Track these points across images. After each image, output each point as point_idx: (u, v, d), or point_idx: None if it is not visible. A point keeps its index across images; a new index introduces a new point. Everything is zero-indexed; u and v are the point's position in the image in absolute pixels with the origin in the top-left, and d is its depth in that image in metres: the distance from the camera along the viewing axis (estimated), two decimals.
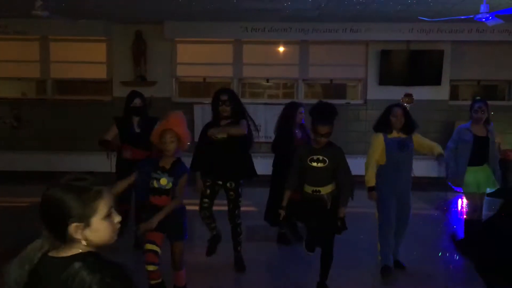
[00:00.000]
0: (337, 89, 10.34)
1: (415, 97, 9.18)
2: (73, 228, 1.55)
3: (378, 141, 4.62)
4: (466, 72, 9.52)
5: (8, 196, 7.97)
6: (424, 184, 6.79)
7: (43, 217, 1.59)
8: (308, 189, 4.03)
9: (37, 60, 9.67)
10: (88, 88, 10.05)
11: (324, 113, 3.94)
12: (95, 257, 1.56)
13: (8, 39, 9.41)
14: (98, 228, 1.58)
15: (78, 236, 1.55)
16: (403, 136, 4.64)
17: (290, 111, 5.59)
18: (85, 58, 9.61)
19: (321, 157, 3.94)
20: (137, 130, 5.24)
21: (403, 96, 9.16)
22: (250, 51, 9.62)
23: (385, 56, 9.27)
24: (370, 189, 4.60)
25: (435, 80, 9.27)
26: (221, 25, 8.97)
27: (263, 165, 8.66)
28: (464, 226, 5.24)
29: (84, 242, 1.56)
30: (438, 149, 4.79)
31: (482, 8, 5.61)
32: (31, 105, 9.64)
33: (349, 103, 9.80)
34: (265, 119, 9.29)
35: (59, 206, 1.55)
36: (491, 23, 5.75)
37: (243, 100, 4.78)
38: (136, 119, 5.26)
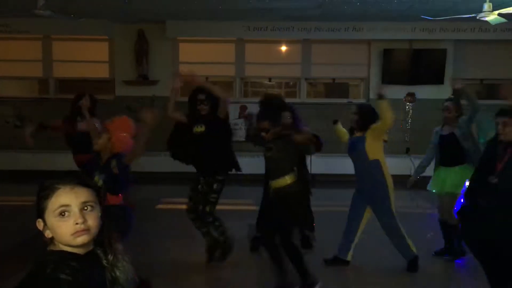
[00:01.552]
0: (340, 88, 10.32)
1: (417, 96, 9.16)
2: (37, 223, 1.57)
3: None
4: (469, 71, 9.49)
5: (11, 195, 7.98)
6: (423, 182, 6.75)
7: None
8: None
9: (40, 60, 9.68)
10: (90, 87, 9.98)
11: (263, 110, 4.15)
12: (57, 257, 1.54)
13: (11, 38, 9.41)
14: (52, 226, 1.54)
15: (44, 233, 1.56)
16: (357, 135, 4.72)
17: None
18: (87, 57, 9.62)
19: (270, 146, 4.04)
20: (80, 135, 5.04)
21: (405, 95, 9.14)
22: (252, 50, 9.62)
23: (387, 55, 9.26)
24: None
25: (438, 79, 9.24)
26: (223, 24, 8.96)
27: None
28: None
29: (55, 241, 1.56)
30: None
31: (485, 6, 5.59)
32: (33, 104, 9.65)
33: (351, 102, 9.78)
34: None
35: (37, 201, 1.59)
36: (494, 21, 5.73)
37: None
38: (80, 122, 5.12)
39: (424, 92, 9.25)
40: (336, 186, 8.12)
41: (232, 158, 4.63)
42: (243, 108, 9.10)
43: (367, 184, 4.61)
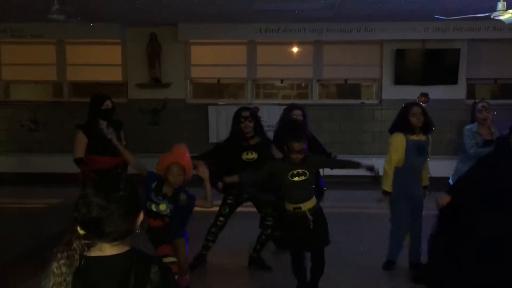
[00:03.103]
0: (352, 89, 10.28)
1: (431, 96, 9.09)
2: (141, 216, 1.62)
3: (400, 141, 4.49)
4: (483, 71, 9.39)
5: (25, 197, 8.07)
6: (440, 184, 6.67)
7: (121, 214, 1.55)
8: (289, 206, 3.91)
9: (54, 63, 9.78)
10: (103, 91, 10.10)
11: (296, 131, 3.90)
12: (140, 251, 1.62)
13: (25, 43, 9.53)
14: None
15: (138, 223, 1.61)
16: (422, 138, 4.54)
17: (283, 115, 5.22)
18: (100, 60, 9.70)
19: (301, 171, 3.84)
20: (108, 136, 4.74)
21: (418, 95, 9.07)
22: (264, 52, 9.62)
23: (400, 55, 9.19)
24: (386, 193, 4.57)
25: (451, 79, 9.15)
26: (235, 26, 8.98)
27: None
28: None
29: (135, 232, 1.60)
30: (427, 180, 4.71)
31: (499, 5, 5.53)
32: (48, 107, 9.76)
33: (364, 103, 9.74)
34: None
35: (138, 198, 1.60)
36: (508, 20, 5.66)
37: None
38: (104, 124, 4.82)
39: (438, 92, 9.18)
40: (346, 187, 8.05)
41: None
42: (255, 109, 9.11)
43: (420, 187, 4.62)
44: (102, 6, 7.54)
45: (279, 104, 9.49)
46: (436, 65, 9.08)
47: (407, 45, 9.18)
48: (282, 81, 9.93)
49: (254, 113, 4.71)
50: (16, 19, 8.70)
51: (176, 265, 3.77)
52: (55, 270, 1.51)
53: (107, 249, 1.55)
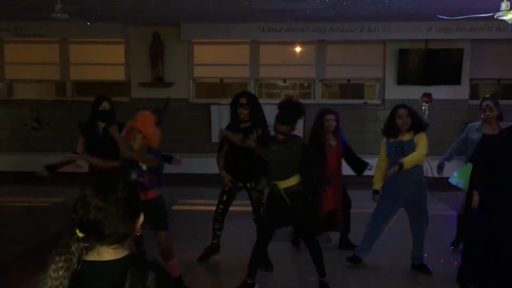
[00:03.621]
0: (355, 89, 10.27)
1: (434, 96, 9.07)
2: (141, 219, 1.61)
3: (382, 145, 4.72)
4: (486, 71, 9.37)
5: (29, 196, 8.08)
6: (443, 184, 6.66)
7: (120, 215, 1.52)
8: (272, 183, 4.11)
9: (57, 63, 9.80)
10: (106, 90, 10.12)
11: (283, 115, 4.05)
12: (139, 257, 1.60)
13: (28, 42, 9.56)
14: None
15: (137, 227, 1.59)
16: (405, 138, 4.54)
17: (316, 119, 5.29)
18: (103, 60, 9.72)
19: (278, 149, 4.02)
20: (102, 137, 4.84)
21: (421, 95, 9.06)
22: (267, 52, 9.62)
23: (403, 55, 9.18)
24: (374, 191, 4.71)
25: (455, 79, 9.14)
26: (237, 26, 8.99)
27: None
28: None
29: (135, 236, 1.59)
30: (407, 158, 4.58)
31: (503, 5, 5.52)
32: (51, 106, 9.78)
33: (366, 103, 9.73)
34: None
35: (138, 200, 1.59)
36: (511, 20, 5.64)
37: (259, 101, 4.89)
38: (102, 125, 4.86)
39: (441, 92, 9.16)
40: (346, 187, 8.01)
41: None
42: None
43: (417, 186, 4.58)
44: (105, 5, 7.55)
45: None
46: (439, 65, 9.07)
47: (410, 45, 9.17)
48: (284, 80, 9.94)
49: (252, 100, 4.71)
50: (19, 18, 8.72)
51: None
52: (52, 273, 1.49)
53: (105, 253, 1.53)
